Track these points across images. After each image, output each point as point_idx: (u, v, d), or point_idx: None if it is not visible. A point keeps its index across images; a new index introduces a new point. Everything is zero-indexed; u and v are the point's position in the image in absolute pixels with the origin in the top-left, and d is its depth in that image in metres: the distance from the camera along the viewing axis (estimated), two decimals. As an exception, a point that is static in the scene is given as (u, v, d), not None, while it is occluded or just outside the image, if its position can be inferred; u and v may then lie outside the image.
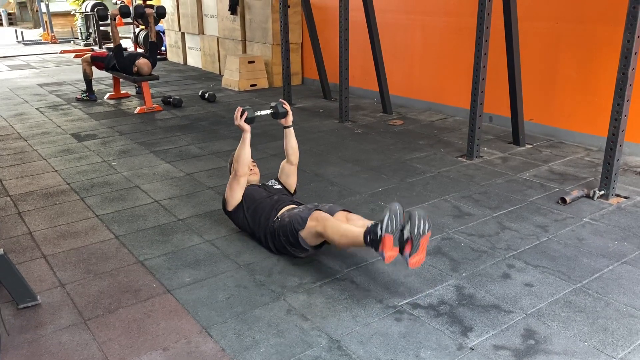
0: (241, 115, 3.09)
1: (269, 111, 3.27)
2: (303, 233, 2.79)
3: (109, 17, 6.89)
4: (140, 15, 7.06)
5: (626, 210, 3.59)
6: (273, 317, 2.48)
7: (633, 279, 2.77)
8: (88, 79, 7.13)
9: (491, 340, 2.31)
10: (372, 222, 2.55)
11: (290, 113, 3.31)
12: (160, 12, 7.10)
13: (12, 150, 5.11)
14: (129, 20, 9.65)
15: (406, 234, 2.48)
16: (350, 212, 2.98)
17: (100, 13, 7.28)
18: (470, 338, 2.32)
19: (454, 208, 3.66)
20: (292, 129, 3.34)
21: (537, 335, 2.34)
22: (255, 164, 3.45)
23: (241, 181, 3.14)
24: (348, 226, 2.71)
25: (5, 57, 12.10)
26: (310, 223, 2.76)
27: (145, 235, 3.33)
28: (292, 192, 3.45)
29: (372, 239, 2.48)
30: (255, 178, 3.40)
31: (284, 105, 3.29)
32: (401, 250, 2.51)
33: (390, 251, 2.46)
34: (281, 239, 2.93)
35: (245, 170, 3.13)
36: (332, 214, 2.94)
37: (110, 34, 6.92)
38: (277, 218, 3.01)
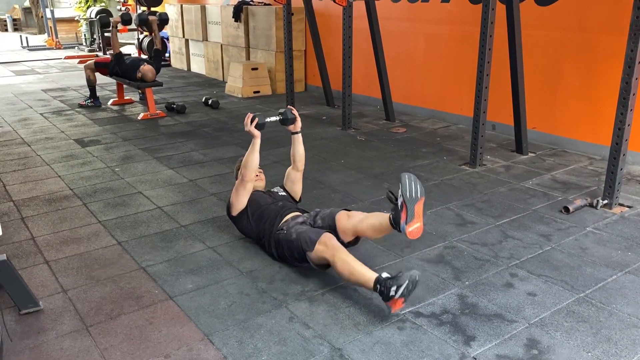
0: (252, 121, 3.10)
1: (277, 117, 3.27)
2: (310, 254, 2.76)
3: (111, 25, 6.93)
4: (144, 23, 7.10)
5: (629, 220, 3.58)
6: (275, 325, 2.47)
7: (636, 289, 2.76)
8: (92, 85, 7.16)
9: (494, 350, 2.30)
10: (386, 274, 2.49)
11: (298, 119, 3.31)
12: (163, 19, 7.13)
13: (15, 155, 5.12)
14: (133, 26, 9.71)
15: (400, 199, 2.46)
16: (350, 210, 2.99)
17: (102, 21, 7.33)
18: (472, 347, 2.31)
19: (456, 216, 3.65)
20: (299, 135, 3.34)
21: (540, 345, 2.33)
22: (261, 170, 3.45)
23: (247, 186, 3.14)
24: (358, 267, 2.60)
25: (9, 63, 12.15)
26: (319, 247, 2.71)
27: (148, 241, 3.33)
28: (297, 199, 3.44)
29: (384, 294, 2.45)
30: (261, 184, 3.40)
31: (292, 112, 3.29)
32: (396, 222, 2.49)
33: (397, 307, 2.47)
34: (285, 252, 2.92)
35: (253, 175, 3.13)
36: (333, 216, 2.95)
37: (111, 41, 6.96)
38: (282, 228, 3.00)
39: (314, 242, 2.74)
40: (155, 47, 7.04)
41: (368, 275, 2.53)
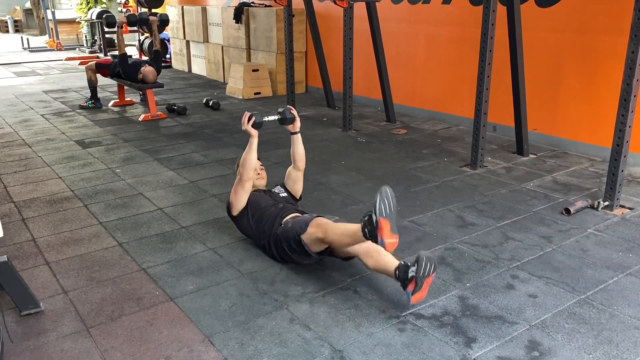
0: (248, 120, 3.09)
1: (276, 117, 3.25)
2: (305, 237, 2.78)
3: (117, 25, 6.94)
4: (144, 23, 7.12)
5: (630, 222, 3.58)
6: (276, 327, 2.47)
7: (638, 290, 2.75)
8: (93, 87, 7.16)
9: (495, 352, 2.29)
10: (366, 213, 2.52)
11: (297, 119, 3.30)
12: (164, 19, 7.15)
13: (16, 156, 5.12)
14: (134, 27, 9.73)
15: (411, 273, 2.50)
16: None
17: (108, 20, 7.35)
18: (473, 349, 2.31)
19: (457, 218, 3.65)
20: (299, 135, 3.34)
21: (541, 346, 2.32)
22: (263, 168, 3.44)
23: (246, 186, 3.14)
24: (347, 224, 2.69)
25: (10, 64, 12.17)
26: (311, 229, 2.75)
27: (149, 242, 3.33)
28: (298, 198, 3.45)
29: (370, 229, 2.46)
30: (262, 183, 3.40)
31: (291, 111, 3.28)
32: (404, 287, 2.54)
33: (389, 238, 2.43)
34: (284, 246, 2.92)
35: (251, 174, 3.13)
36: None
37: (116, 41, 6.98)
38: (281, 225, 3.00)
39: (307, 223, 2.78)
40: (155, 48, 7.05)
41: (355, 226, 2.57)
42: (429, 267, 2.52)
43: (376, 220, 2.42)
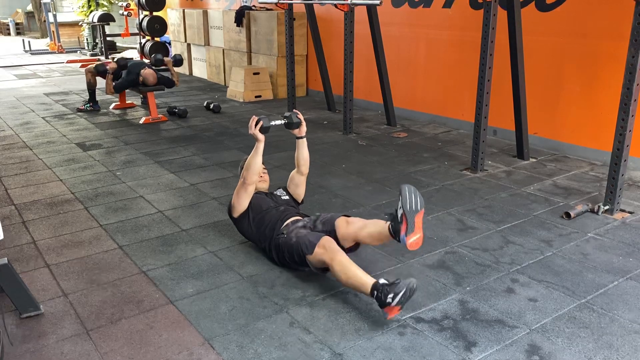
0: (256, 125, 3.09)
1: (282, 121, 3.25)
2: (310, 258, 2.76)
3: (107, 72, 6.84)
4: (160, 64, 7.20)
5: (631, 226, 3.58)
6: (276, 330, 2.47)
7: (638, 295, 2.75)
8: (92, 89, 7.17)
9: (495, 356, 2.29)
10: (384, 280, 2.49)
11: (303, 123, 3.30)
12: (178, 59, 7.24)
13: (17, 159, 5.13)
14: (135, 30, 9.75)
15: (399, 211, 2.46)
16: (349, 216, 2.99)
17: (99, 69, 7.01)
18: (473, 353, 2.31)
19: (457, 221, 3.65)
20: (304, 139, 3.33)
21: (542, 351, 2.32)
22: (266, 170, 3.44)
23: (249, 189, 3.14)
24: (356, 271, 2.59)
25: (12, 67, 12.19)
26: (318, 250, 2.71)
27: (149, 245, 3.33)
28: (300, 201, 3.44)
29: (380, 300, 2.44)
30: (265, 185, 3.39)
31: (297, 116, 3.28)
32: (396, 233, 2.49)
33: (394, 314, 2.47)
34: (285, 256, 2.92)
35: (255, 178, 3.13)
36: (333, 222, 2.95)
37: (106, 85, 6.87)
38: (283, 232, 3.00)
39: (314, 245, 2.74)
40: (172, 79, 7.06)
41: (365, 280, 2.53)
42: (414, 200, 2.47)
43: (389, 303, 2.41)
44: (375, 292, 2.46)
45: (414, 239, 2.52)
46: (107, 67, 6.87)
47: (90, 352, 2.33)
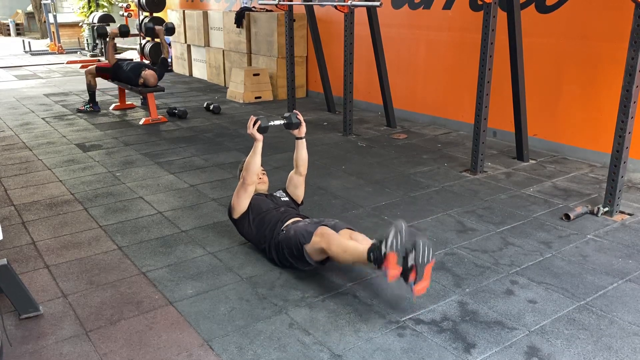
0: (254, 124, 3.09)
1: (282, 121, 3.25)
2: (308, 247, 2.78)
3: (108, 36, 6.95)
4: (150, 33, 7.15)
5: (630, 228, 3.58)
6: (275, 331, 2.47)
7: (637, 297, 2.75)
8: (92, 90, 7.17)
9: (494, 357, 2.29)
10: (376, 239, 2.54)
11: (303, 124, 3.30)
12: (170, 28, 7.18)
13: (17, 159, 5.13)
14: (135, 32, 9.75)
15: (410, 261, 2.46)
16: (354, 230, 2.96)
17: (99, 31, 7.31)
18: (473, 355, 2.31)
19: (457, 223, 3.65)
20: (304, 140, 3.33)
21: (541, 352, 2.32)
22: (264, 172, 3.44)
23: (249, 189, 3.14)
24: (352, 243, 2.69)
25: (12, 67, 12.19)
26: (315, 238, 2.74)
27: (148, 246, 3.33)
28: (300, 202, 3.45)
29: (376, 256, 2.47)
30: (264, 187, 3.40)
31: (297, 116, 3.28)
32: (405, 278, 2.50)
33: (393, 269, 2.45)
34: (285, 252, 2.92)
35: (254, 179, 3.13)
36: (336, 231, 2.93)
37: (106, 53, 6.97)
38: (282, 230, 3.00)
39: (311, 233, 2.77)
40: (162, 56, 7.07)
41: (362, 248, 2.56)
42: (427, 253, 2.48)
43: (385, 253, 2.44)
44: (371, 254, 2.47)
45: (421, 286, 2.52)
46: (108, 31, 6.89)
47: (90, 353, 2.33)
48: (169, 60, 11.16)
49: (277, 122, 3.20)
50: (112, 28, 6.98)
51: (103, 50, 12.81)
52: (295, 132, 3.31)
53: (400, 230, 2.45)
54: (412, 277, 2.48)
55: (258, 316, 2.59)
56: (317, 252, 2.76)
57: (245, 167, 3.14)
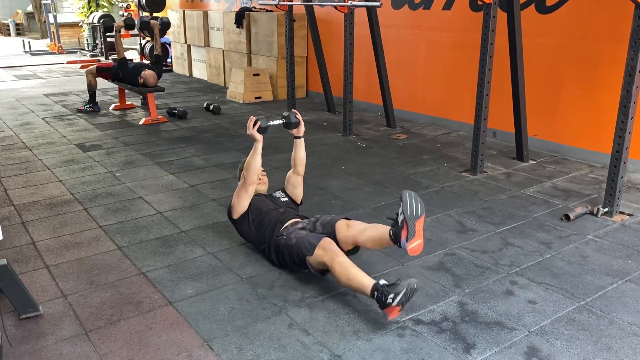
0: (254, 125, 3.09)
1: (281, 121, 3.25)
2: (310, 259, 2.76)
3: (114, 29, 6.97)
4: (145, 27, 7.14)
5: (630, 228, 3.58)
6: (275, 332, 2.47)
7: (637, 297, 2.75)
8: (92, 90, 7.17)
9: (494, 358, 2.29)
10: (384, 281, 2.49)
11: (302, 124, 3.30)
12: (165, 23, 7.16)
13: (17, 159, 5.13)
14: (135, 32, 9.75)
15: (400, 217, 2.45)
16: (350, 219, 2.98)
17: (106, 24, 7.34)
18: (472, 355, 2.31)
19: (457, 223, 3.65)
20: (302, 139, 3.33)
21: (541, 353, 2.32)
22: (264, 173, 3.44)
23: (249, 190, 3.14)
24: (356, 272, 2.59)
25: (12, 67, 12.19)
26: (318, 251, 2.71)
27: (148, 246, 3.33)
28: (299, 202, 3.45)
29: (382, 302, 2.44)
30: (263, 188, 3.39)
31: (296, 116, 3.28)
32: (397, 238, 2.49)
33: (394, 315, 2.47)
34: (285, 258, 2.92)
35: (255, 179, 3.12)
36: (333, 224, 2.95)
37: (115, 46, 7.01)
38: (282, 234, 3.00)
39: (314, 246, 2.74)
40: (156, 53, 7.07)
41: (365, 281, 2.53)
42: (415, 206, 2.47)
43: (390, 304, 2.41)
44: (376, 293, 2.45)
45: (414, 245, 2.52)
46: (115, 24, 6.92)
47: (90, 353, 2.33)
48: (169, 60, 11.16)
49: (276, 122, 3.21)
50: (118, 22, 7.00)
51: (103, 48, 12.83)
52: (294, 131, 3.31)
53: (412, 289, 2.42)
54: (403, 234, 2.46)
55: (258, 316, 2.59)
56: (319, 264, 2.75)
57: (245, 168, 3.14)
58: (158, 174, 4.71)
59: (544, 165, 4.91)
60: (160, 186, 4.40)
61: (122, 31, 7.23)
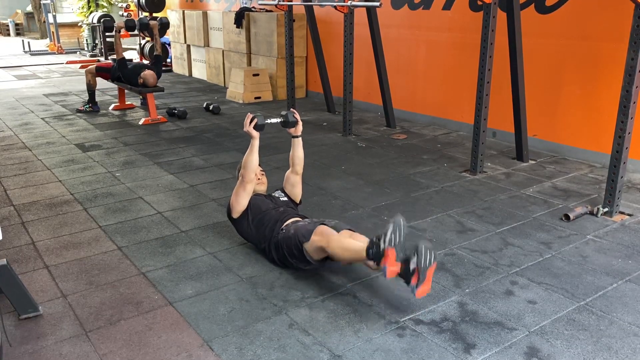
0: (251, 122, 3.09)
1: (279, 120, 3.25)
2: (307, 246, 2.78)
3: (115, 30, 6.97)
4: (144, 27, 7.15)
5: (630, 228, 3.58)
6: (275, 332, 2.47)
7: (637, 297, 2.75)
8: (91, 90, 7.17)
9: (494, 358, 2.29)
10: (376, 236, 2.54)
11: (300, 123, 3.30)
12: (164, 23, 7.16)
13: (16, 159, 5.13)
14: (135, 32, 9.75)
15: (412, 265, 2.46)
16: (354, 232, 2.94)
17: (106, 24, 7.35)
18: (472, 355, 2.31)
19: (457, 223, 3.65)
20: (300, 139, 3.33)
21: (541, 353, 2.32)
22: (263, 173, 3.44)
23: (247, 187, 3.14)
24: (351, 240, 2.69)
25: (11, 67, 12.19)
26: (315, 237, 2.75)
27: (148, 246, 3.33)
28: (298, 202, 3.45)
29: (375, 252, 2.48)
30: (263, 188, 3.39)
31: (294, 115, 3.28)
32: (407, 281, 2.50)
33: (392, 266, 2.45)
34: (284, 251, 2.92)
35: (252, 176, 3.12)
36: (337, 231, 2.93)
37: (114, 46, 7.01)
38: (282, 230, 3.00)
39: (310, 232, 2.77)
40: (156, 53, 7.07)
41: (360, 245, 2.56)
42: (429, 257, 2.48)
43: (383, 249, 2.44)
44: (370, 251, 2.47)
45: (423, 289, 2.52)
46: (115, 25, 6.92)
47: (89, 353, 2.33)
48: (169, 60, 11.16)
49: (274, 120, 3.21)
50: (118, 22, 7.00)
51: (102, 48, 12.83)
52: (292, 130, 3.31)
53: (399, 225, 2.45)
54: (414, 280, 2.48)
55: (258, 316, 2.59)
56: (317, 250, 2.75)
57: (243, 165, 3.14)
58: (158, 174, 4.71)
59: (543, 165, 4.91)
60: (160, 186, 4.40)
61: (122, 31, 7.23)
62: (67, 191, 4.28)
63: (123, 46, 7.24)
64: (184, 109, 7.05)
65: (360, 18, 6.02)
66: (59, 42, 15.11)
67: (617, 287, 2.84)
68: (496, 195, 4.17)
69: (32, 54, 14.98)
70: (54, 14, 14.99)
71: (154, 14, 10.10)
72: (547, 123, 5.27)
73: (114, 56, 7.31)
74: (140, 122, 6.59)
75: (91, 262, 3.14)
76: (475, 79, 4.50)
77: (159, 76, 6.80)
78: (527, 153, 5.02)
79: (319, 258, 2.81)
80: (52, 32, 15.44)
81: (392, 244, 2.44)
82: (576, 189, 4.29)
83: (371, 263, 2.59)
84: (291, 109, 3.37)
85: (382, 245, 2.45)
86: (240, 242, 3.35)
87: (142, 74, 6.59)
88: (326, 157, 5.20)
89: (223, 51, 9.33)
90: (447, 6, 6.02)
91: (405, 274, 2.51)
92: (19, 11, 23.89)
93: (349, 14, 5.51)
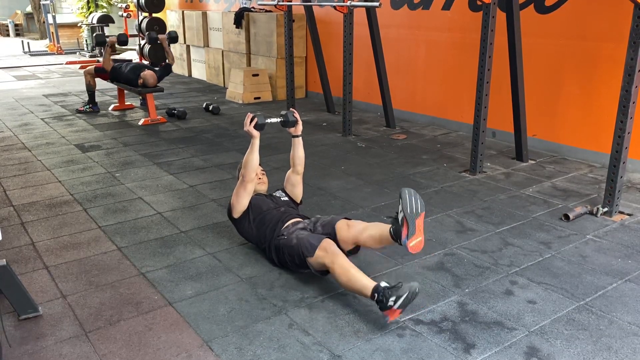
0: (251, 121, 3.09)
1: (279, 119, 3.25)
2: (310, 260, 2.76)
3: (106, 44, 6.95)
4: (153, 42, 7.19)
5: (630, 228, 3.58)
6: (274, 332, 2.47)
7: (637, 297, 2.75)
8: (91, 91, 7.17)
9: (494, 358, 2.29)
10: (385, 283, 2.48)
11: (300, 122, 3.30)
12: (173, 37, 7.20)
13: (16, 160, 5.13)
14: (134, 32, 9.74)
15: (400, 215, 2.45)
16: (350, 219, 2.98)
17: (97, 39, 7.25)
18: (472, 355, 2.31)
19: (456, 223, 3.65)
20: (300, 138, 3.33)
21: (540, 353, 2.32)
22: (264, 172, 3.44)
23: (248, 187, 3.13)
24: (356, 274, 2.59)
25: (11, 68, 12.18)
26: (319, 252, 2.71)
27: (148, 247, 3.33)
28: (299, 202, 3.45)
29: (382, 303, 2.43)
30: (263, 187, 3.39)
31: (294, 114, 3.28)
32: (397, 236, 2.49)
33: (394, 317, 2.47)
34: (286, 258, 2.92)
35: (252, 175, 3.12)
36: (334, 225, 2.95)
37: (103, 59, 7.03)
38: (283, 234, 3.00)
39: (314, 247, 2.74)
40: (167, 62, 7.08)
41: (366, 282, 2.53)
42: (415, 203, 2.46)
43: (391, 307, 2.41)
44: (377, 295, 2.45)
45: (415, 242, 2.52)
46: (107, 39, 6.93)
47: (89, 353, 2.33)
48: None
49: (273, 120, 3.21)
50: (110, 38, 7.00)
51: (102, 49, 12.83)
52: (292, 130, 3.31)
53: (414, 292, 2.42)
54: (404, 232, 2.46)
55: (257, 317, 2.59)
56: (320, 265, 2.74)
57: (243, 165, 3.14)
58: (157, 174, 4.71)
59: (543, 165, 4.92)
60: (160, 186, 4.40)
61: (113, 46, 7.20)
62: (66, 191, 4.28)
63: (123, 46, 7.24)
64: (184, 109, 7.06)
65: (360, 18, 6.02)
66: (58, 42, 15.11)
67: (616, 287, 2.84)
68: (496, 195, 4.17)
69: (31, 55, 14.98)
70: (53, 14, 14.99)
71: (154, 14, 10.09)
72: (546, 123, 5.27)
73: (114, 56, 7.31)
74: (140, 123, 6.59)
75: (91, 262, 3.14)
76: (475, 79, 4.50)
77: (160, 79, 6.81)
78: (527, 153, 5.03)
79: (322, 270, 2.79)
80: (52, 32, 15.44)
81: (402, 306, 2.41)
82: (576, 189, 4.29)
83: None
84: (291, 109, 3.37)
85: (390, 303, 2.40)
86: (239, 242, 3.35)
87: (141, 74, 6.60)
88: (326, 157, 5.20)
89: (222, 51, 9.34)
90: (447, 6, 6.02)
91: (395, 228, 2.51)
92: (19, 12, 23.88)
93: (349, 14, 5.51)
